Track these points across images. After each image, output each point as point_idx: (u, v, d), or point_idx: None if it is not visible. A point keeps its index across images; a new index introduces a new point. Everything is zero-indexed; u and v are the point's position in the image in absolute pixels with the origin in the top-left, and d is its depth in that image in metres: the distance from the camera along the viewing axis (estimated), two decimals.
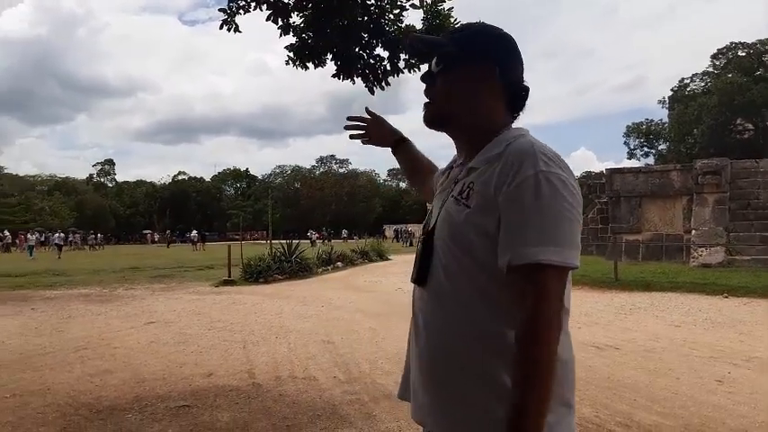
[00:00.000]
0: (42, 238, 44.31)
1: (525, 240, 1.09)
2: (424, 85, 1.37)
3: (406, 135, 1.92)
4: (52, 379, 5.52)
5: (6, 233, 47.88)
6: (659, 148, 59.05)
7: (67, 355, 6.57)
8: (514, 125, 1.33)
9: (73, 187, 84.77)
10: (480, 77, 1.29)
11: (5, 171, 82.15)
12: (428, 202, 1.75)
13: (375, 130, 1.95)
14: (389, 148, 1.94)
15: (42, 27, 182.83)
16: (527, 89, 1.34)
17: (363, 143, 1.97)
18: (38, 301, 11.79)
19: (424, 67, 1.46)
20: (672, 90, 51.64)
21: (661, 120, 58.16)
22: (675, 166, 19.96)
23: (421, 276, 1.30)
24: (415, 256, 1.37)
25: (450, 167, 1.45)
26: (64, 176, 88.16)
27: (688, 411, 4.40)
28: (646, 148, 61.03)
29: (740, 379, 5.30)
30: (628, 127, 63.09)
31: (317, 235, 51.91)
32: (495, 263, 1.14)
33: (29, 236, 38.56)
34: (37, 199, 73.83)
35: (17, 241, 47.74)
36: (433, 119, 1.36)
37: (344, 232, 61.15)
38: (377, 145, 1.94)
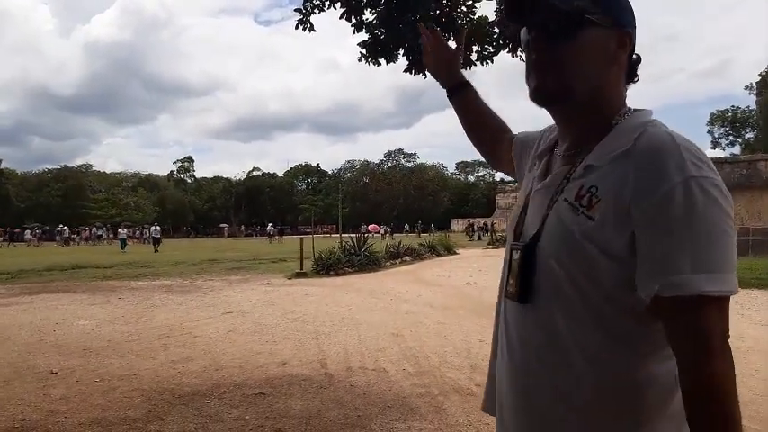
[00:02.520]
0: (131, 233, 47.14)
1: (679, 266, 0.87)
2: (534, 49, 1.06)
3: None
4: (138, 365, 5.84)
5: (65, 227, 51.42)
6: (746, 136, 55.74)
7: (152, 343, 6.94)
8: None
9: (155, 183, 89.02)
10: (618, 46, 1.03)
11: (93, 169, 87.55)
12: (495, 167, 1.60)
13: (439, 53, 1.62)
14: (445, 90, 1.60)
15: (127, 31, 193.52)
16: (639, 57, 1.09)
17: (424, 61, 1.65)
18: (124, 292, 12.49)
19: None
20: (760, 75, 48.59)
21: (748, 107, 54.91)
22: (763, 155, 18.77)
23: (523, 293, 1.07)
24: (506, 265, 1.17)
25: (548, 150, 1.19)
26: (147, 173, 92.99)
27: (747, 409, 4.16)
28: (731, 137, 57.75)
29: None
30: (712, 115, 59.95)
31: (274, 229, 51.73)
32: (623, 290, 0.94)
33: (120, 230, 40.11)
34: (122, 195, 78.15)
35: (74, 236, 50.71)
36: (551, 92, 1.05)
37: (406, 227, 61.21)
38: (433, 72, 1.63)
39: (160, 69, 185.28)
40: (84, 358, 6.16)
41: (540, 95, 1.07)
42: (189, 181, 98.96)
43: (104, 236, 52.80)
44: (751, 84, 51.08)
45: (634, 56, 1.08)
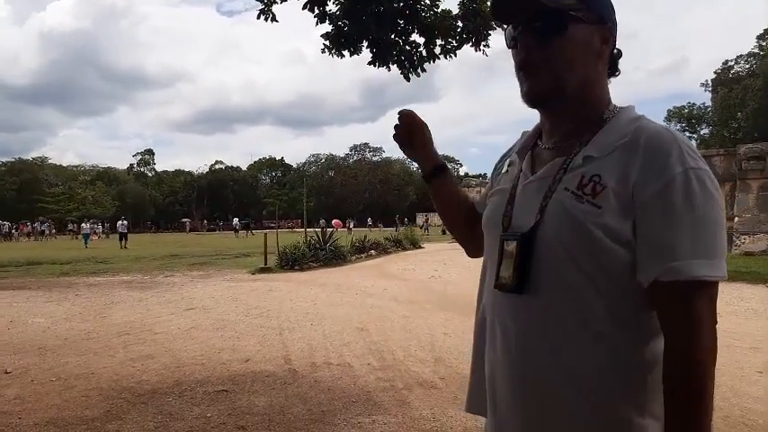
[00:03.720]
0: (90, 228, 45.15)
1: (678, 253, 0.93)
2: (521, 48, 1.08)
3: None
4: (96, 363, 5.69)
5: (4, 222, 49.01)
6: (702, 132, 57.36)
7: (110, 340, 6.77)
8: None
9: (114, 177, 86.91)
10: (602, 40, 1.07)
11: (50, 162, 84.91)
12: (470, 251, 1.44)
13: (418, 135, 1.41)
14: (422, 174, 1.45)
15: (85, 20, 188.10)
16: (620, 51, 1.13)
17: (399, 140, 1.42)
18: (82, 288, 12.16)
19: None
20: (715, 73, 49.90)
21: (704, 103, 56.43)
22: (718, 151, 19.40)
23: (521, 283, 1.06)
24: (495, 256, 1.14)
25: (529, 147, 1.20)
26: (105, 166, 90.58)
27: (729, 403, 4.29)
28: (688, 133, 59.25)
29: None
30: (669, 111, 61.46)
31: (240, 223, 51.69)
32: (629, 275, 0.98)
33: (83, 225, 38.23)
34: (80, 189, 76.05)
35: (14, 232, 48.23)
36: (543, 92, 1.08)
37: (369, 221, 61.35)
38: (409, 152, 1.43)
39: (119, 60, 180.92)
40: (39, 357, 5.97)
41: (532, 96, 1.09)
42: (149, 174, 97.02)
43: (47, 231, 49.83)
44: (706, 81, 52.46)
45: (615, 50, 1.12)
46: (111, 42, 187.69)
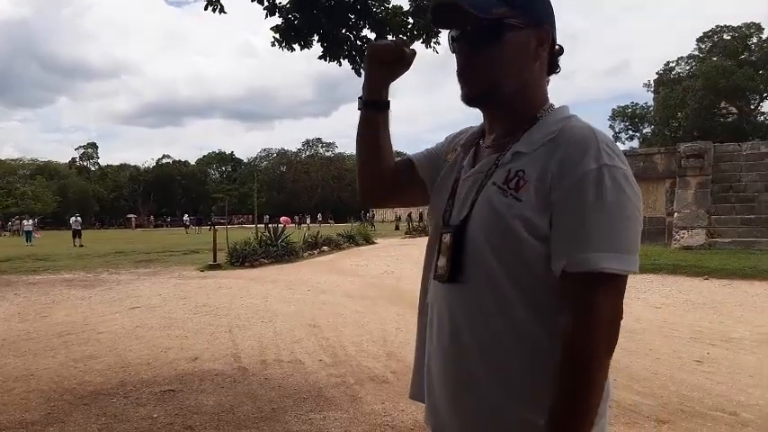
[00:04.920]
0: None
1: (585, 245, 0.96)
2: (460, 53, 1.13)
3: (391, 120, 1.39)
4: (36, 365, 5.48)
5: None
6: (644, 131, 59.24)
7: (51, 341, 6.53)
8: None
9: (55, 171, 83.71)
10: (538, 42, 1.10)
11: None
12: (365, 195, 1.42)
13: (397, 68, 1.32)
14: (378, 98, 1.34)
15: (24, 8, 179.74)
16: (562, 48, 1.17)
17: (381, 54, 1.30)
18: (21, 287, 11.66)
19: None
20: (657, 74, 51.61)
21: (646, 103, 58.28)
22: (659, 149, 20.10)
23: (454, 273, 1.11)
24: (435, 249, 1.19)
25: (473, 143, 1.24)
26: (46, 160, 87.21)
27: (668, 391, 4.47)
28: (631, 132, 61.22)
29: (719, 359, 5.40)
30: (613, 110, 63.26)
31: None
32: (544, 265, 1.02)
33: (25, 221, 35.54)
34: (19, 183, 72.82)
35: None
36: (481, 93, 1.12)
37: (319, 216, 61.16)
38: (376, 69, 1.31)
39: (60, 50, 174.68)
40: None
41: (469, 98, 1.14)
42: (93, 169, 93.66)
43: None
44: (649, 81, 54.13)
45: (556, 47, 1.16)
46: (53, 32, 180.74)
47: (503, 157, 1.10)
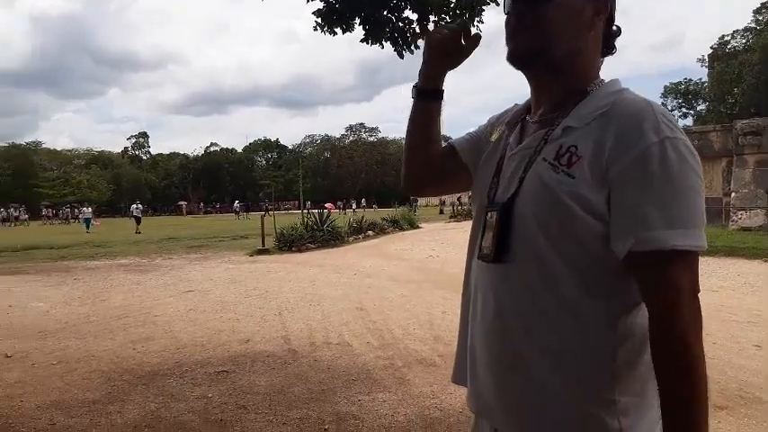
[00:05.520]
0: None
1: (652, 222, 0.91)
2: (513, 12, 1.09)
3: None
4: (96, 346, 5.72)
5: None
6: (698, 108, 57.24)
7: (110, 323, 6.80)
8: None
9: (109, 160, 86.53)
10: (594, 12, 1.07)
11: (44, 146, 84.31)
12: (414, 188, 1.43)
13: (458, 56, 1.29)
14: (433, 86, 1.31)
15: (75, 3, 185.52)
16: (619, 29, 1.13)
17: (440, 42, 1.26)
18: (80, 272, 12.17)
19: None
20: (711, 48, 49.53)
21: (700, 79, 56.25)
22: (715, 126, 19.32)
23: (499, 252, 1.06)
24: (479, 228, 1.15)
25: (519, 119, 1.20)
26: (100, 150, 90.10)
27: (725, 376, 4.34)
28: (684, 109, 59.25)
29: None
30: (665, 87, 61.26)
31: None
32: (601, 245, 0.97)
33: (84, 209, 36.85)
34: (75, 173, 75.72)
35: None
36: (529, 52, 1.08)
37: (363, 201, 61.54)
38: (437, 59, 1.29)
39: (110, 42, 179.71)
40: (40, 341, 5.99)
41: (517, 56, 1.10)
42: (144, 157, 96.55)
43: (10, 217, 48.17)
44: (703, 56, 52.13)
45: (614, 27, 1.11)
46: (102, 25, 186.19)
47: (552, 132, 1.06)
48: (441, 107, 1.34)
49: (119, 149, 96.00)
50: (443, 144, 1.38)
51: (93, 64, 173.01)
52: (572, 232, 0.98)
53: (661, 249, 0.91)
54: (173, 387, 4.41)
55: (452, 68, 1.31)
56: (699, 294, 0.94)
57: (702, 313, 0.94)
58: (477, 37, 1.26)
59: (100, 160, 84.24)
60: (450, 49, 1.26)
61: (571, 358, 1.00)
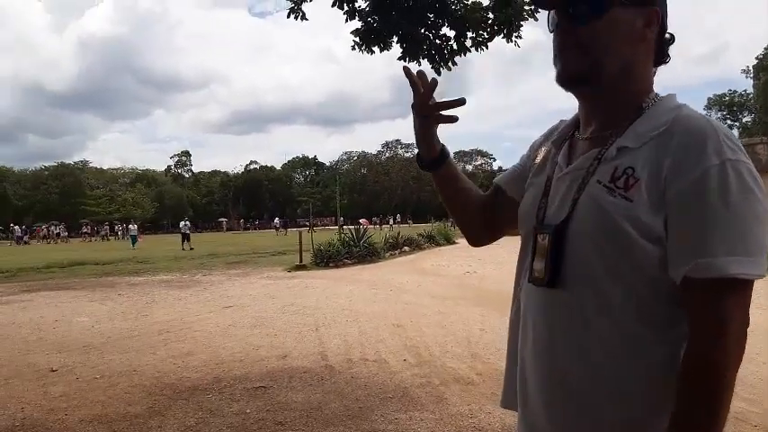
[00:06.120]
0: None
1: (710, 248, 0.88)
2: (560, 31, 1.05)
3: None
4: (138, 361, 5.82)
5: (15, 226, 48.67)
6: (744, 120, 55.67)
7: (151, 338, 6.92)
8: None
9: (153, 179, 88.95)
10: (645, 24, 1.02)
11: (91, 165, 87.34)
12: (471, 238, 1.42)
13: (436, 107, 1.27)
14: (428, 157, 1.33)
15: (122, 26, 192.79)
16: (673, 37, 1.08)
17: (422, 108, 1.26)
18: (124, 288, 12.47)
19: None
20: (757, 58, 48.19)
21: (745, 90, 54.73)
22: (762, 138, 18.75)
23: (553, 276, 1.03)
24: (529, 250, 1.12)
25: (567, 137, 1.16)
26: (144, 169, 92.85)
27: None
28: (729, 121, 57.65)
29: None
30: (709, 99, 59.80)
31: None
32: (659, 271, 0.94)
33: (130, 226, 37.29)
34: (120, 191, 78.07)
35: (24, 236, 47.16)
36: (579, 73, 1.03)
37: (398, 217, 61.67)
38: (426, 125, 1.29)
39: (154, 64, 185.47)
40: (83, 355, 6.14)
41: (566, 78, 1.05)
42: (187, 176, 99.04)
43: (50, 234, 49.91)
44: (747, 67, 50.83)
45: (666, 35, 1.07)
46: (147, 47, 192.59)
47: (606, 152, 1.01)
48: (451, 168, 1.34)
49: (162, 168, 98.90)
50: (488, 190, 1.37)
51: (139, 85, 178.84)
52: (629, 257, 0.95)
53: (719, 277, 0.87)
54: (211, 402, 4.45)
55: (436, 126, 1.30)
56: (747, 329, 0.90)
57: (752, 331, 0.90)
58: (434, 82, 1.24)
59: (144, 179, 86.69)
60: (421, 113, 1.26)
61: (625, 386, 0.97)
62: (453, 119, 1.29)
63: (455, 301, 9.17)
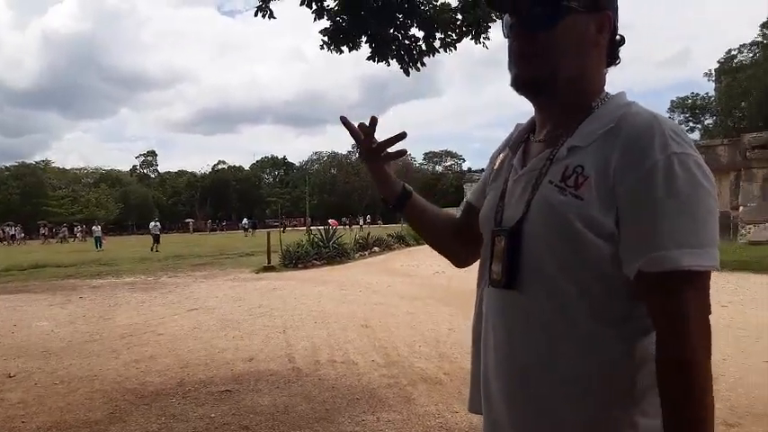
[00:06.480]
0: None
1: (662, 242, 0.88)
2: (516, 37, 1.06)
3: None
4: (99, 365, 5.67)
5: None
6: (706, 122, 57.17)
7: (114, 342, 6.76)
8: None
9: (117, 179, 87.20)
10: (598, 29, 1.03)
11: (53, 165, 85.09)
12: (458, 262, 1.44)
13: (383, 146, 1.35)
14: (392, 197, 1.38)
15: (86, 22, 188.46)
16: (623, 38, 1.09)
17: (362, 147, 1.36)
18: (86, 291, 12.17)
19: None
20: (718, 62, 49.57)
21: (707, 93, 56.17)
22: (722, 140, 19.30)
23: (510, 278, 1.03)
24: (487, 252, 1.12)
25: (523, 140, 1.17)
26: (108, 169, 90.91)
27: (735, 393, 4.26)
28: (692, 124, 59.11)
29: None
30: (672, 102, 61.21)
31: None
32: (612, 268, 0.94)
33: (94, 227, 35.46)
34: (83, 191, 76.28)
35: None
36: (534, 79, 1.05)
37: (368, 218, 61.71)
38: (378, 168, 1.37)
39: (120, 62, 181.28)
40: (43, 360, 5.96)
41: (521, 83, 1.07)
42: (152, 176, 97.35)
43: (5, 236, 47.92)
44: (710, 71, 52.18)
45: (617, 36, 1.08)
46: (113, 44, 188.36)
47: (557, 152, 1.03)
48: (417, 203, 1.38)
49: (127, 168, 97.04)
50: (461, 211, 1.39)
51: (105, 83, 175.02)
52: (582, 255, 0.95)
53: (672, 270, 0.87)
54: (175, 407, 4.36)
55: (388, 162, 1.35)
56: (709, 317, 0.90)
57: (712, 328, 0.90)
58: (370, 126, 1.29)
59: (108, 179, 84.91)
60: (372, 155, 1.31)
61: (583, 385, 0.96)
62: (401, 153, 1.34)
63: (424, 301, 9.20)
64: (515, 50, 1.06)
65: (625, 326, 0.96)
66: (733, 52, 48.37)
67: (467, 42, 5.24)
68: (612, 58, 1.09)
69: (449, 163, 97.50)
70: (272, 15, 5.03)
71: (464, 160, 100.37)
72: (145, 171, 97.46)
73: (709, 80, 52.51)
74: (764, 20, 45.88)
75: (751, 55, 46.54)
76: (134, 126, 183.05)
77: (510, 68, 1.08)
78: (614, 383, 0.95)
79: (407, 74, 5.26)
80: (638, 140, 0.92)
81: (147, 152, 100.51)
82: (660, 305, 0.90)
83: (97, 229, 34.92)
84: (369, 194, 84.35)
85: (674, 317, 0.89)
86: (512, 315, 1.05)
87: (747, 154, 16.61)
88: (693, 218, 0.89)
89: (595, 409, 0.96)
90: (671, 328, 0.89)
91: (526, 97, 1.11)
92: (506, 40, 1.10)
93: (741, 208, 16.57)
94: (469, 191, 1.41)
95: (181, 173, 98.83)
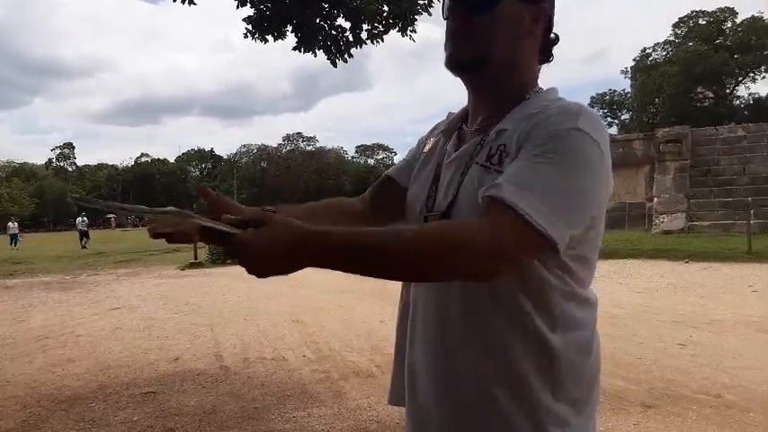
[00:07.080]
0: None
1: (512, 178, 0.90)
2: (453, 18, 1.08)
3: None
4: (12, 371, 5.34)
5: None
6: (622, 118, 59.86)
7: (28, 345, 6.38)
8: None
9: (32, 173, 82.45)
10: (533, 19, 1.06)
11: None
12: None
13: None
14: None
15: None
16: (557, 37, 1.13)
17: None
18: None
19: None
20: (634, 60, 52.05)
21: (624, 90, 58.84)
22: (638, 135, 20.29)
23: None
24: None
25: (456, 128, 1.18)
26: (22, 162, 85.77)
27: (652, 375, 4.48)
28: (609, 119, 61.74)
29: (702, 342, 5.43)
30: (592, 98, 63.73)
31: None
32: None
33: (10, 224, 32.99)
34: None
35: None
36: (468, 59, 1.06)
37: None
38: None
39: (34, 49, 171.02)
40: None
41: (455, 61, 1.08)
42: (70, 169, 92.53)
43: None
44: (626, 68, 54.66)
45: (552, 34, 1.12)
46: (25, 31, 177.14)
47: (487, 137, 1.05)
48: (293, 211, 1.22)
49: (42, 161, 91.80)
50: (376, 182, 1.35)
51: (15, 71, 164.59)
52: None
53: (494, 196, 0.88)
54: (95, 412, 4.15)
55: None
56: (511, 260, 0.89)
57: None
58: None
59: (22, 173, 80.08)
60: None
61: (511, 364, 0.98)
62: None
63: (356, 294, 9.17)
64: (452, 30, 1.08)
65: (548, 309, 0.98)
66: (648, 50, 50.94)
67: (394, 34, 5.25)
68: (546, 56, 1.13)
69: (381, 156, 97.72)
70: (192, 2, 4.84)
71: (396, 153, 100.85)
72: (61, 164, 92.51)
73: (625, 77, 55.02)
74: (676, 20, 48.63)
75: (664, 53, 49.16)
76: (48, 117, 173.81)
77: (446, 48, 1.09)
78: (542, 363, 0.97)
79: (335, 65, 5.20)
80: (552, 116, 0.96)
81: (64, 144, 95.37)
82: (482, 214, 0.91)
83: (13, 225, 32.41)
84: (300, 188, 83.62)
85: (486, 227, 0.87)
86: (442, 298, 1.05)
87: (661, 148, 17.55)
88: (556, 183, 0.89)
89: (524, 387, 0.97)
90: (479, 226, 0.88)
91: (459, 77, 1.12)
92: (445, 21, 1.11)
93: (655, 199, 17.50)
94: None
95: (101, 166, 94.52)
